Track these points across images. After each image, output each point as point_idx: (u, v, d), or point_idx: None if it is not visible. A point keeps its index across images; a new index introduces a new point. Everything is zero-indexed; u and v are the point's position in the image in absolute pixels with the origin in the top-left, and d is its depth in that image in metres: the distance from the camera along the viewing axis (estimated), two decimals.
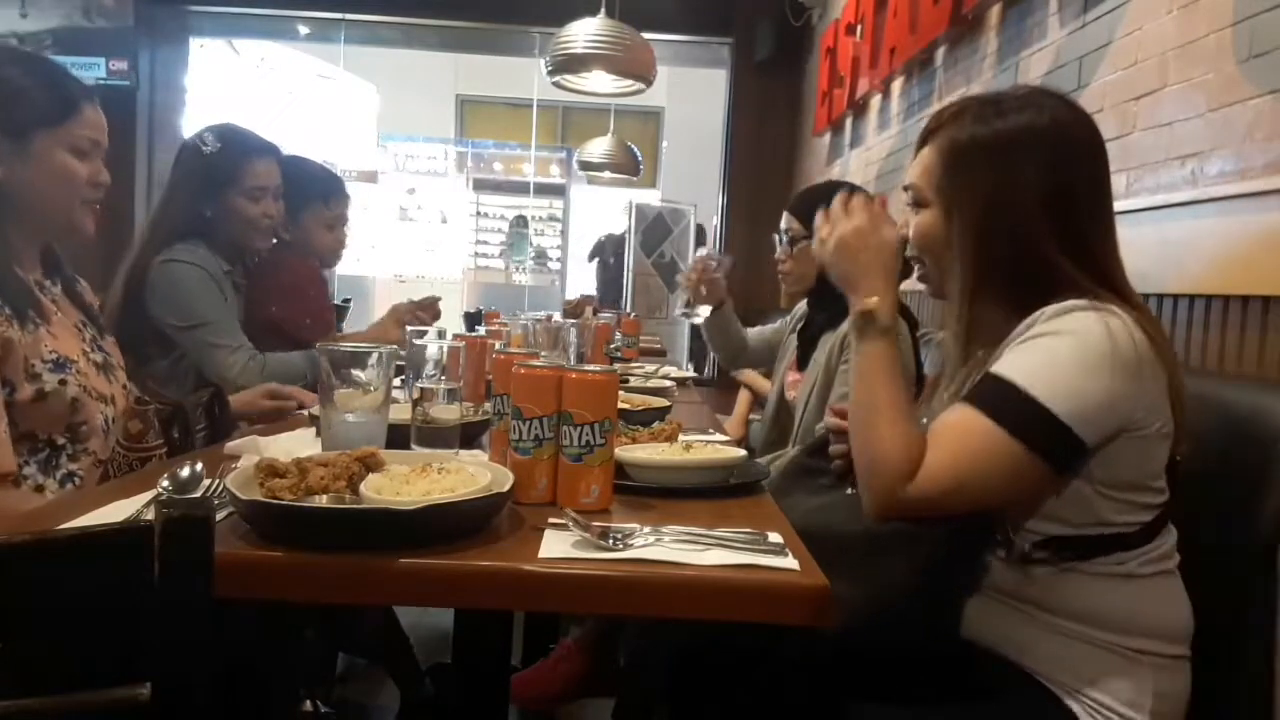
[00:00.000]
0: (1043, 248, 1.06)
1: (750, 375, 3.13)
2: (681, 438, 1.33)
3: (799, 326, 2.21)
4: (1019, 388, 0.97)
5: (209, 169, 2.03)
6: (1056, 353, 0.98)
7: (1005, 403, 0.97)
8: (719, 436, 1.59)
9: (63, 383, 1.29)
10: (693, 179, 6.96)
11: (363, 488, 0.92)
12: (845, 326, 1.93)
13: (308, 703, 1.70)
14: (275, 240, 2.25)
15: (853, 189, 2.10)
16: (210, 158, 2.03)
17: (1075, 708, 1.03)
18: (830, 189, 2.16)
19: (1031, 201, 1.06)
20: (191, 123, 6.04)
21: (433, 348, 1.28)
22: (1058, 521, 1.03)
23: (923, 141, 1.17)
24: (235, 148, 2.06)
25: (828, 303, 2.03)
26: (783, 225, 2.08)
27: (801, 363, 2.13)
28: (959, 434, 0.99)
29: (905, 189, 1.20)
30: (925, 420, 1.25)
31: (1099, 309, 1.00)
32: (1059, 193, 1.06)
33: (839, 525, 1.12)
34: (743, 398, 3.22)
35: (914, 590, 1.02)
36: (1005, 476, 0.98)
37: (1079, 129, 1.10)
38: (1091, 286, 1.03)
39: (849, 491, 1.26)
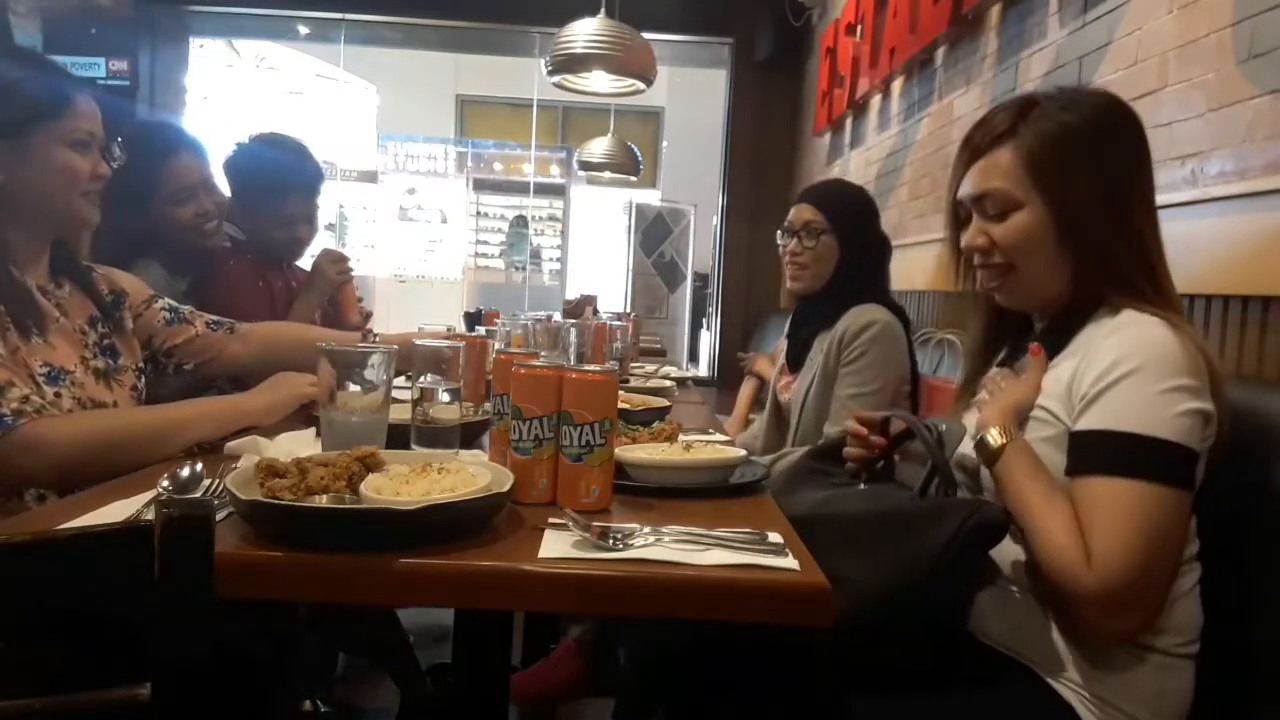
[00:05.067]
0: (1147, 238, 1.09)
1: (764, 366, 3.10)
2: (681, 438, 1.33)
3: (788, 329, 2.20)
4: (1141, 435, 0.97)
5: (124, 184, 1.66)
6: (1147, 385, 0.99)
7: (1137, 455, 0.97)
8: (719, 436, 1.59)
9: (57, 395, 1.27)
10: (693, 179, 6.95)
11: (363, 488, 0.92)
12: (840, 325, 1.94)
13: (307, 703, 1.70)
14: (229, 241, 2.15)
15: (865, 191, 2.10)
16: (121, 173, 1.70)
17: (1074, 701, 1.03)
18: (846, 187, 2.14)
19: (1135, 193, 1.08)
20: (191, 123, 6.04)
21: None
22: None
23: (984, 148, 1.14)
24: (145, 153, 1.84)
25: (821, 304, 2.02)
26: (805, 217, 1.99)
27: (794, 364, 2.12)
28: (1117, 512, 0.96)
29: (977, 199, 1.14)
30: (944, 427, 1.23)
31: (1162, 320, 1.03)
32: (1146, 186, 1.10)
33: (849, 511, 1.12)
34: (743, 397, 3.21)
35: (925, 579, 1.00)
36: (1178, 523, 0.98)
37: (1140, 125, 1.12)
38: (1154, 291, 1.08)
39: (861, 487, 1.26)
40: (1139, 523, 0.95)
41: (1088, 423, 1.02)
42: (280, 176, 2.18)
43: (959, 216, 1.21)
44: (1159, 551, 0.96)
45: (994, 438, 1.08)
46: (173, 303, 1.61)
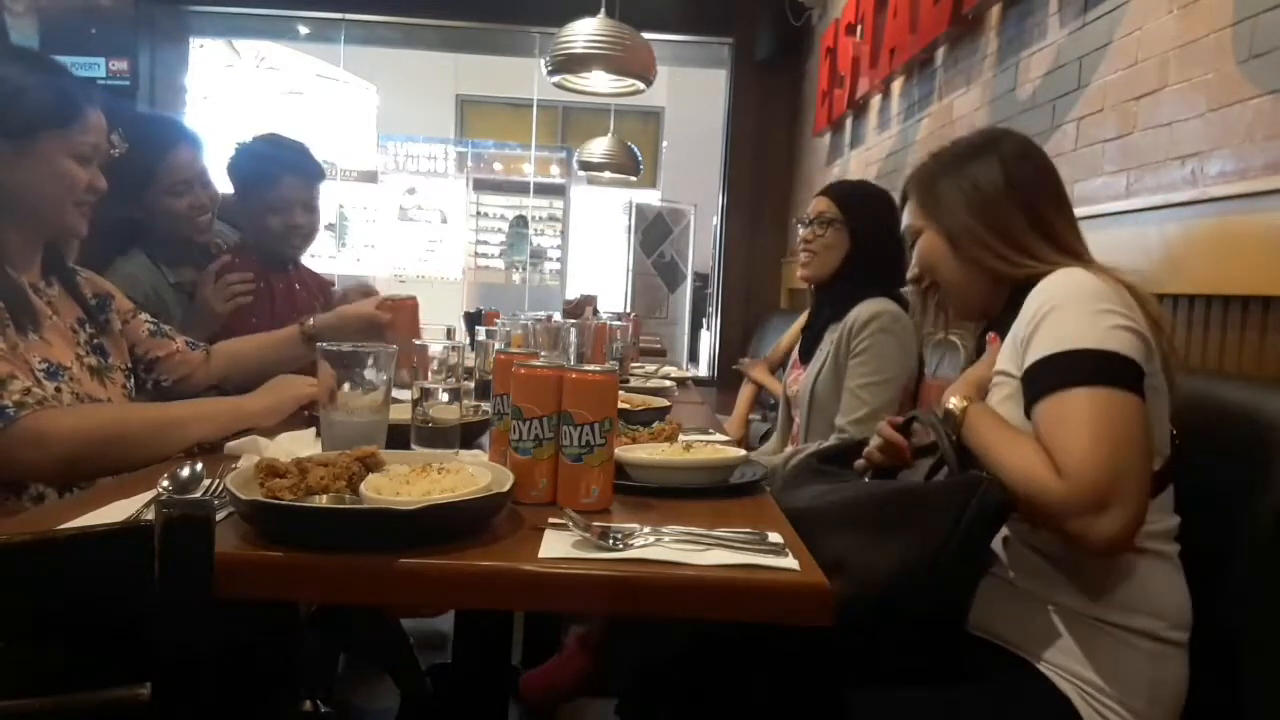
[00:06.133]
0: (1017, 229, 1.20)
1: (760, 373, 3.13)
2: (681, 438, 1.33)
3: (805, 322, 2.25)
4: (1077, 349, 1.02)
5: (123, 173, 1.75)
6: (1074, 311, 1.05)
7: (1079, 366, 1.01)
8: (719, 436, 1.59)
9: (58, 390, 1.27)
10: (693, 179, 6.95)
11: (363, 488, 0.92)
12: (850, 317, 1.98)
13: (307, 703, 1.70)
14: (220, 240, 2.18)
15: (882, 193, 2.15)
16: (121, 161, 1.79)
17: (1070, 691, 1.04)
18: (866, 186, 2.19)
19: (999, 193, 1.21)
20: (191, 123, 6.03)
21: (436, 347, 1.29)
22: None
23: (903, 200, 1.37)
24: (145, 145, 1.93)
25: (833, 296, 2.08)
26: (820, 208, 2.09)
27: (806, 356, 2.15)
28: (1072, 420, 0.99)
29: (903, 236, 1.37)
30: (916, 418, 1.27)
31: (1070, 267, 1.13)
32: (1017, 185, 1.22)
33: (851, 500, 1.13)
34: (743, 397, 3.21)
35: (928, 567, 1.00)
36: (1137, 424, 1.00)
37: (1015, 136, 1.30)
38: (1062, 259, 1.17)
39: (865, 480, 1.28)
40: (1096, 425, 0.98)
41: (1029, 359, 1.07)
42: (277, 166, 2.19)
43: None
44: (1122, 447, 0.97)
45: (955, 404, 1.16)
46: (152, 318, 1.62)
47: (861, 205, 2.07)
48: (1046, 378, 1.03)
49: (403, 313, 1.76)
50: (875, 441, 1.30)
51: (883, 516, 1.06)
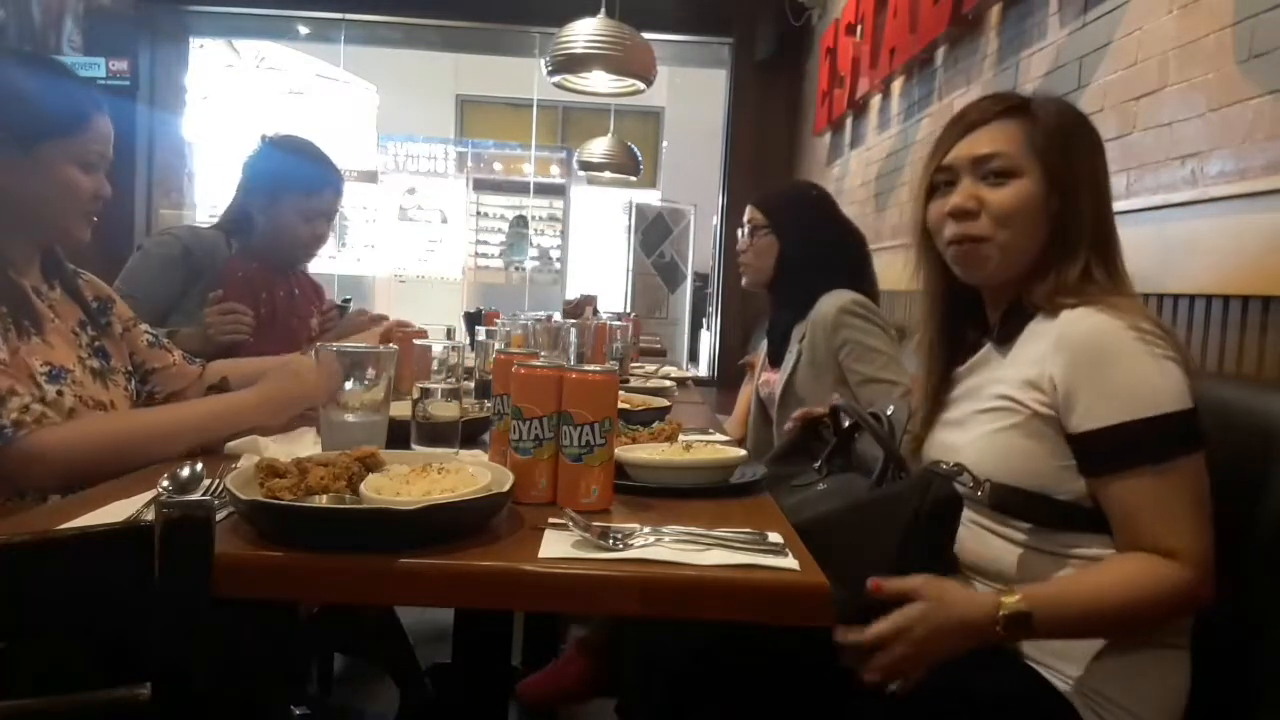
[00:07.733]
0: (1107, 228, 1.13)
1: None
2: (681, 438, 1.33)
3: (767, 329, 2.28)
4: (1161, 415, 1.00)
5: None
6: (1138, 362, 1.01)
7: (1166, 435, 1.00)
8: (719, 436, 1.59)
9: (60, 394, 1.27)
10: (693, 179, 6.96)
11: (363, 488, 0.92)
12: (816, 312, 2.00)
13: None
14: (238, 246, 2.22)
15: (815, 188, 2.20)
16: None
17: (1074, 698, 1.03)
18: (791, 187, 2.28)
19: (1107, 188, 1.15)
20: (191, 123, 6.04)
21: (437, 348, 1.29)
22: (1039, 484, 1.07)
23: (988, 120, 1.13)
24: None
25: (789, 296, 2.12)
26: (748, 216, 2.18)
27: (775, 359, 2.16)
28: (1174, 499, 0.99)
29: (981, 159, 1.12)
30: (890, 410, 1.26)
31: (1108, 309, 1.05)
32: (1108, 188, 1.16)
33: (812, 517, 1.12)
34: (743, 398, 3.21)
35: (893, 571, 1.00)
36: (1206, 488, 1.01)
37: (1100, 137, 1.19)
38: (1107, 282, 1.10)
39: (820, 488, 1.27)
40: (1193, 497, 0.99)
41: (1102, 416, 1.01)
42: (322, 173, 2.22)
43: (933, 188, 1.18)
44: (1208, 509, 1.00)
45: (1009, 607, 0.97)
46: (151, 329, 1.62)
47: (784, 207, 2.15)
48: (1137, 448, 1.00)
49: (408, 343, 1.76)
50: (787, 426, 1.38)
51: (844, 540, 1.04)
